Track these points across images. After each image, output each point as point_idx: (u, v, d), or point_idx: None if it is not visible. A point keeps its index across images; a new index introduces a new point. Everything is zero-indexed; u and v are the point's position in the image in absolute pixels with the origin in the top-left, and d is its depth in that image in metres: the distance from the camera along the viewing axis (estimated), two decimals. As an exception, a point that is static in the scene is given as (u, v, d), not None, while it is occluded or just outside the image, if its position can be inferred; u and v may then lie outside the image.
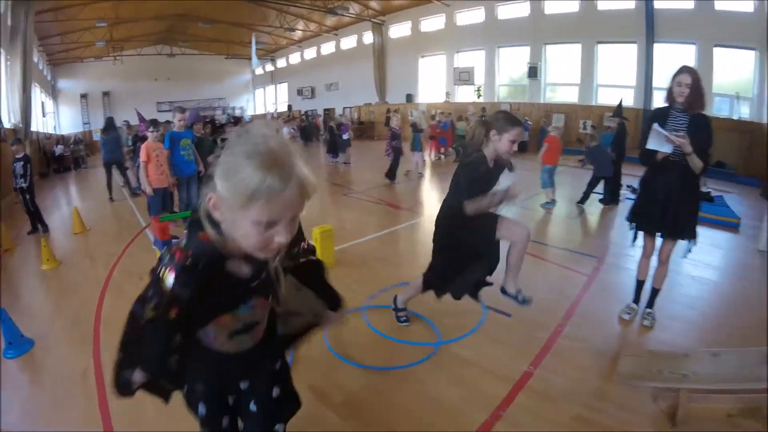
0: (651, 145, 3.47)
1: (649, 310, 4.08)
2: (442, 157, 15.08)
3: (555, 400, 2.99)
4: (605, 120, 14.46)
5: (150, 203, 6.57)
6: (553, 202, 8.41)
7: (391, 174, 10.75)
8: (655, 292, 4.03)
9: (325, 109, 28.68)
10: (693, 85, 3.33)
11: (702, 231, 6.84)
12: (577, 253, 5.94)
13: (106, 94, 29.32)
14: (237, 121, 12.37)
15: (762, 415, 2.65)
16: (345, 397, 3.02)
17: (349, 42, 27.64)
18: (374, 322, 4.01)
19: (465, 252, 3.37)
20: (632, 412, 2.86)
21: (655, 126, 3.40)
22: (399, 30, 24.47)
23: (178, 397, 1.58)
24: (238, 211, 1.07)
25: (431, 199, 9.50)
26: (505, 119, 3.07)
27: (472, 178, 3.10)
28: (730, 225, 7.41)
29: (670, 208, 3.61)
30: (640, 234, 3.96)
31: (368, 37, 25.57)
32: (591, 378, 3.23)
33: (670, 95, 3.48)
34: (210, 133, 8.12)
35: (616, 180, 8.44)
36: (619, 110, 8.28)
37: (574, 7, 17.35)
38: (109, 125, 10.79)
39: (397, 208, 8.13)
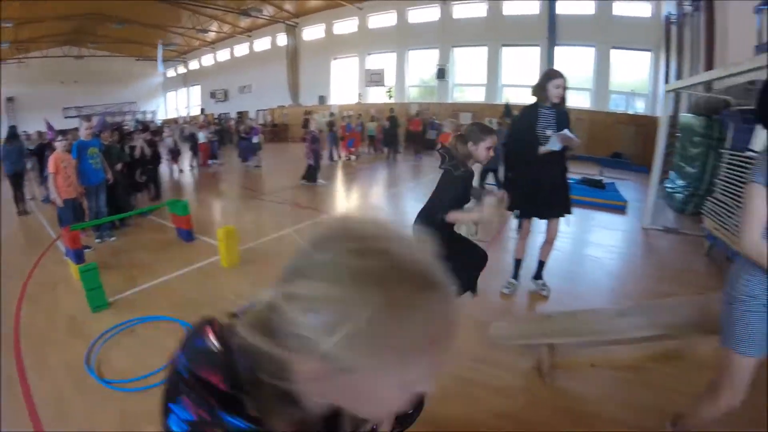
0: (550, 146, 3.73)
1: (540, 281, 4.39)
2: (352, 158, 15.18)
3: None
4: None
5: (60, 214, 6.22)
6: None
7: (310, 176, 10.63)
8: (541, 264, 4.35)
9: (238, 113, 27.97)
10: (565, 87, 3.72)
11: (593, 214, 7.54)
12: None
13: (10, 99, 26.81)
14: (146, 127, 11.76)
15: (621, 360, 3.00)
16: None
17: (262, 44, 27.18)
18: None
19: (458, 255, 3.38)
20: (505, 370, 3.14)
21: (565, 132, 3.69)
22: (312, 32, 24.36)
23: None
24: (373, 375, 0.60)
25: (340, 198, 9.55)
26: (479, 130, 3.18)
27: (457, 194, 3.18)
28: (618, 208, 8.11)
29: (554, 194, 3.94)
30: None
31: (282, 39, 25.26)
32: (471, 345, 3.42)
33: (543, 95, 3.76)
34: (118, 140, 7.78)
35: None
36: (507, 111, 8.68)
37: (481, 12, 18.15)
38: (12, 134, 10.00)
39: (304, 208, 8.09)
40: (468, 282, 3.46)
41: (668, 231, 6.75)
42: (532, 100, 3.88)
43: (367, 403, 0.65)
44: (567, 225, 4.39)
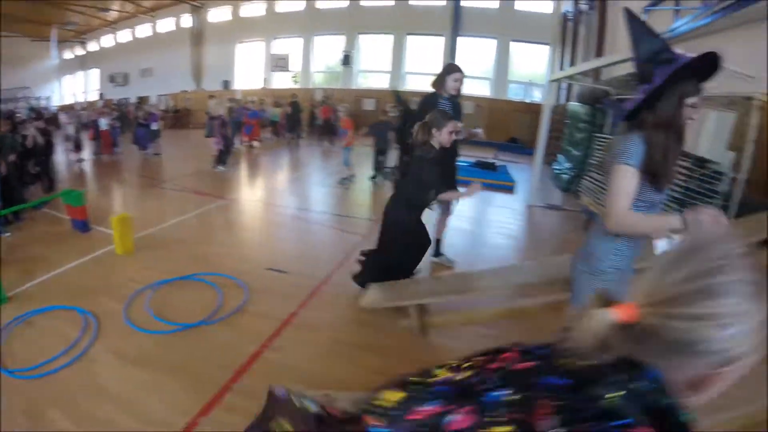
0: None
1: (443, 256, 4.71)
2: (255, 144, 14.65)
3: (317, 330, 3.44)
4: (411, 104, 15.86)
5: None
6: (350, 177, 8.88)
7: (221, 160, 10.23)
8: (438, 241, 4.67)
9: (138, 97, 26.34)
10: (462, 81, 4.02)
11: (484, 194, 7.95)
12: (356, 218, 6.52)
13: None
14: (39, 115, 10.75)
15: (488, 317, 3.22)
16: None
17: (166, 25, 25.65)
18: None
19: (420, 239, 3.73)
20: (380, 331, 3.41)
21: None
22: (218, 14, 23.29)
23: None
24: (747, 360, 0.69)
25: (242, 184, 9.37)
26: (440, 117, 3.41)
27: (436, 175, 3.43)
28: (507, 188, 8.70)
29: (446, 176, 4.11)
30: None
31: (187, 21, 24.07)
32: (350, 313, 3.69)
33: (442, 87, 4.00)
34: (10, 129, 7.11)
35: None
36: (398, 98, 8.84)
37: (389, 0, 18.34)
38: None
39: (204, 195, 7.87)
40: (417, 263, 3.78)
41: (551, 207, 7.25)
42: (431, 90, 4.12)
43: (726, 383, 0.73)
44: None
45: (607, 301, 0.76)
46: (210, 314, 3.59)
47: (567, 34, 13.83)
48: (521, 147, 14.88)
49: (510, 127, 16.10)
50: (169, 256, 4.99)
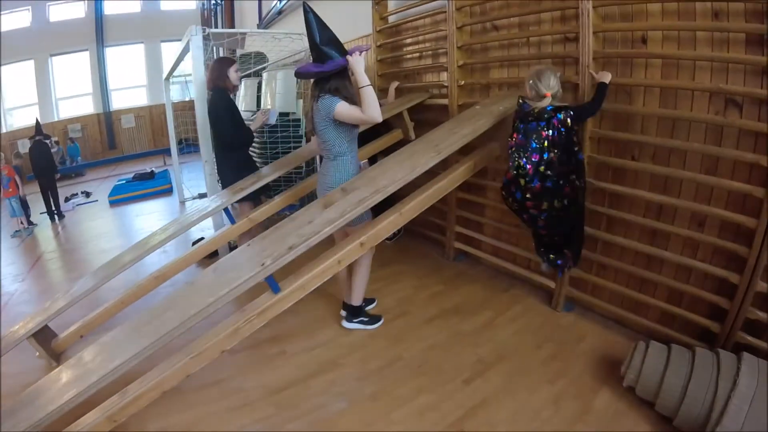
0: (271, 120, 4.53)
1: None
2: None
3: None
4: (70, 132, 16.03)
5: None
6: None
7: None
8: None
9: None
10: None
11: (143, 204, 8.89)
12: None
13: None
14: None
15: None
16: None
17: None
18: None
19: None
20: None
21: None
22: None
23: None
24: None
25: None
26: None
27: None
28: (166, 191, 9.68)
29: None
30: None
31: None
32: None
33: (228, 82, 3.89)
34: None
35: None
36: (38, 128, 9.11)
37: (25, 21, 16.38)
38: None
39: None
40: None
41: (201, 197, 8.38)
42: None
43: None
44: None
45: None
46: None
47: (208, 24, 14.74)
48: (192, 145, 15.93)
49: (178, 129, 16.45)
50: None
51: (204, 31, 4.72)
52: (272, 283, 2.44)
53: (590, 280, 3.28)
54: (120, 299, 3.49)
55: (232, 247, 4.63)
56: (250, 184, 3.77)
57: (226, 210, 3.85)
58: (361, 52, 2.71)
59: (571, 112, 2.62)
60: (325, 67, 2.69)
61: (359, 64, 2.69)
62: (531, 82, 2.68)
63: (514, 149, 2.75)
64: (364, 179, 2.82)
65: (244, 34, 7.37)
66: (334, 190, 2.85)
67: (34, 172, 8.85)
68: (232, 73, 3.85)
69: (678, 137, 2.64)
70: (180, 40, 5.51)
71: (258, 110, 5.87)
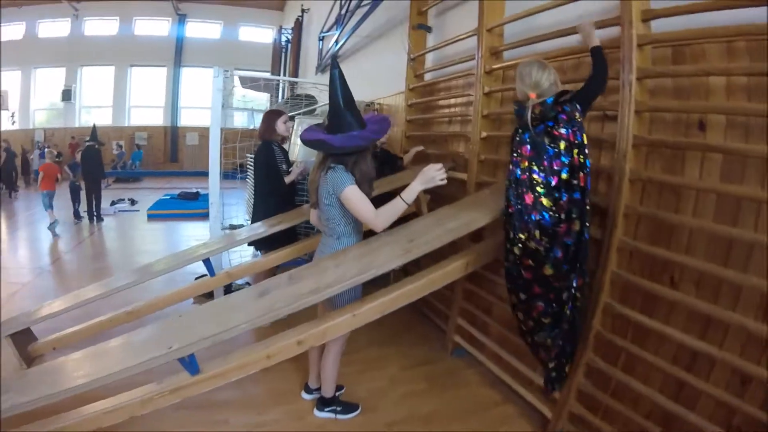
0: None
1: None
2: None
3: None
4: (136, 139, 16.52)
5: None
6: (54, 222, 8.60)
7: None
8: None
9: None
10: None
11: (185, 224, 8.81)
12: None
13: None
14: None
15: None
16: None
17: None
18: None
19: None
20: None
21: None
22: None
23: None
24: None
25: None
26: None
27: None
28: (204, 215, 9.40)
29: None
30: None
31: None
32: None
33: (272, 133, 4.05)
34: None
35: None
36: (93, 134, 9.32)
37: (112, 30, 18.13)
38: None
39: None
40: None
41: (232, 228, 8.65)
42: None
43: None
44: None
45: None
46: None
47: (280, 60, 15.44)
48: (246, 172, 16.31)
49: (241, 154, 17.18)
50: None
51: (226, 73, 4.97)
52: (189, 365, 2.21)
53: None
54: (108, 318, 3.56)
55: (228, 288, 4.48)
56: (252, 234, 3.79)
57: (206, 261, 3.68)
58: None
59: (577, 105, 2.10)
60: (347, 142, 2.33)
61: (427, 183, 2.34)
62: (517, 84, 2.26)
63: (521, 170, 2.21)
64: (315, 269, 2.45)
65: (270, 80, 7.68)
66: (280, 275, 2.53)
67: (83, 174, 9.16)
68: (280, 125, 3.98)
69: (734, 265, 1.89)
70: (252, 69, 5.80)
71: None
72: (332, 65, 2.38)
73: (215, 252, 3.77)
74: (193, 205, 10.19)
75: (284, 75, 14.44)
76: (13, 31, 18.55)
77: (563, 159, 2.08)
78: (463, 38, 3.78)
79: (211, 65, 16.49)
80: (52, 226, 8.30)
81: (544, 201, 2.12)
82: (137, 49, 17.94)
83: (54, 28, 18.50)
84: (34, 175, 14.41)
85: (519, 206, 2.19)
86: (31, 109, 18.97)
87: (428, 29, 4.73)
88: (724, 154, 1.99)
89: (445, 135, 4.34)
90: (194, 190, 11.24)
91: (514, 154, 2.25)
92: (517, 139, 2.26)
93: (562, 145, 2.07)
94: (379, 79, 5.96)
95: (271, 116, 4.08)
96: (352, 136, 2.33)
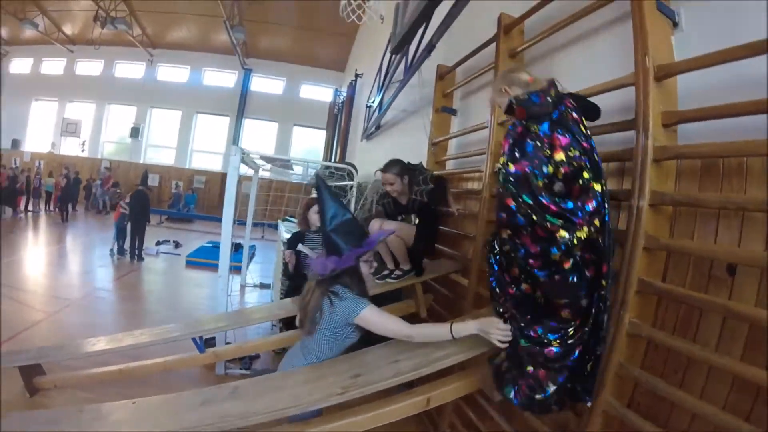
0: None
1: None
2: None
3: None
4: (195, 182, 17.33)
5: None
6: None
7: None
8: None
9: None
10: None
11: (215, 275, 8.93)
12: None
13: None
14: None
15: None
16: None
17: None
18: None
19: None
20: None
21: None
22: (19, 65, 21.31)
23: None
24: None
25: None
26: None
27: None
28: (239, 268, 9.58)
29: None
30: None
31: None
32: None
33: (306, 222, 4.33)
34: None
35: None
36: (144, 179, 10.04)
37: (182, 77, 19.70)
38: None
39: None
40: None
41: (262, 287, 8.58)
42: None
43: None
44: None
45: None
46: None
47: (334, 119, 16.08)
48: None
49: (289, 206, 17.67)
50: None
51: (243, 152, 5.09)
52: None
53: None
54: (118, 369, 3.66)
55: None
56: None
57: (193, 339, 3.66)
58: None
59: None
60: (340, 264, 2.10)
61: (483, 332, 1.96)
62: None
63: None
64: (260, 386, 2.12)
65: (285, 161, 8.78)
66: (227, 384, 2.17)
67: (130, 215, 9.72)
68: (312, 215, 4.19)
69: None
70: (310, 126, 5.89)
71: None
72: (316, 181, 2.28)
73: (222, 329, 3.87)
74: (231, 257, 10.14)
75: (338, 134, 15.04)
76: (92, 66, 20.48)
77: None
78: (480, 129, 3.47)
79: (272, 118, 17.64)
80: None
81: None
82: (204, 97, 19.44)
83: (130, 69, 20.27)
84: (93, 202, 15.44)
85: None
86: (101, 141, 20.56)
87: (453, 112, 4.38)
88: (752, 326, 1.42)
89: (452, 235, 3.88)
90: (237, 242, 11.26)
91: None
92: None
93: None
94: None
95: (306, 205, 4.37)
96: (346, 257, 2.10)
